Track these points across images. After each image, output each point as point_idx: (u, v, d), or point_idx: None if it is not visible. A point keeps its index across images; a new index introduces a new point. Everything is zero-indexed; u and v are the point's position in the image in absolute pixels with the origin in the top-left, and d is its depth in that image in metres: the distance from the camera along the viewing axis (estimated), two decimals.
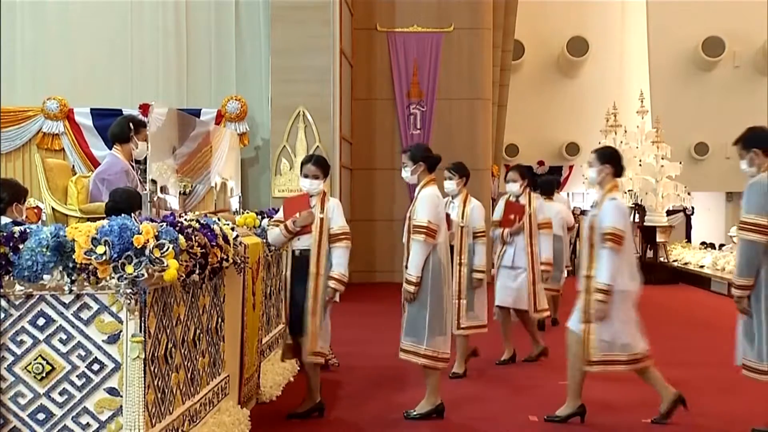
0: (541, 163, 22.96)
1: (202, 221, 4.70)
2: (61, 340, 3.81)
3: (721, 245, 20.06)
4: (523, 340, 8.21)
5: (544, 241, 7.98)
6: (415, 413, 5.95)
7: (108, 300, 3.80)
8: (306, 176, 5.99)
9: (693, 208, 21.00)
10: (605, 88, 23.26)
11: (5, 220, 4.80)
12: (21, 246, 3.70)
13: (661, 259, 17.89)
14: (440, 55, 15.67)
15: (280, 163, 13.07)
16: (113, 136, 6.47)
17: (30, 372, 3.81)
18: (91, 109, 13.41)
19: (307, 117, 13.07)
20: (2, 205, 4.99)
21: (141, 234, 3.69)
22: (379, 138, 15.63)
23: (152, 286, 3.86)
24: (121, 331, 3.81)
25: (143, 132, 6.52)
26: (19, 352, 3.81)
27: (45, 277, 3.74)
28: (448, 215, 7.28)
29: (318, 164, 6.01)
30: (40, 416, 3.81)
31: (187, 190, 8.36)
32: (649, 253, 17.90)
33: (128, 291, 3.72)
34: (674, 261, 17.98)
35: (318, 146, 12.92)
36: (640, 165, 18.34)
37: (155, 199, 6.63)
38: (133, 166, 6.44)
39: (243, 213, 7.08)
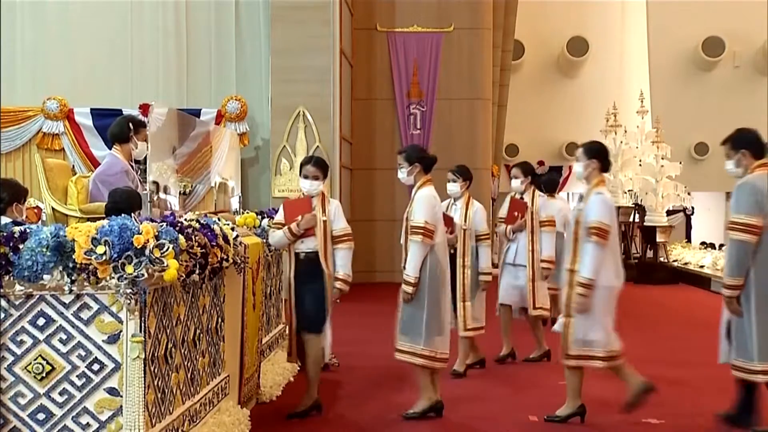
0: (541, 163, 22.95)
1: (202, 221, 4.70)
2: (61, 340, 3.81)
3: (721, 245, 20.04)
4: (525, 338, 8.21)
5: (546, 239, 7.98)
6: (411, 412, 5.94)
7: (108, 300, 3.80)
8: (306, 177, 6.02)
9: (693, 208, 21.00)
10: (605, 88, 23.25)
11: (5, 220, 4.80)
12: (21, 246, 3.70)
13: (661, 259, 17.90)
14: (440, 55, 15.67)
15: (280, 163, 13.07)
16: (113, 136, 6.47)
17: (30, 372, 3.81)
18: (91, 109, 13.41)
19: (307, 117, 13.08)
20: (2, 205, 4.99)
21: (141, 234, 3.69)
22: (379, 138, 15.63)
23: (152, 286, 3.86)
24: (121, 331, 3.81)
25: (143, 132, 6.52)
26: (19, 352, 3.81)
27: (45, 277, 3.74)
28: (451, 218, 7.32)
29: (318, 165, 6.04)
30: (40, 416, 3.81)
31: (187, 190, 8.36)
32: (649, 253, 17.90)
33: (128, 291, 3.72)
34: (674, 261, 17.98)
35: (318, 146, 12.93)
36: (640, 165, 18.35)
37: (155, 199, 6.63)
38: (132, 166, 6.44)
39: (243, 213, 7.07)
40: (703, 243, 20.73)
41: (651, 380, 5.83)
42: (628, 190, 18.79)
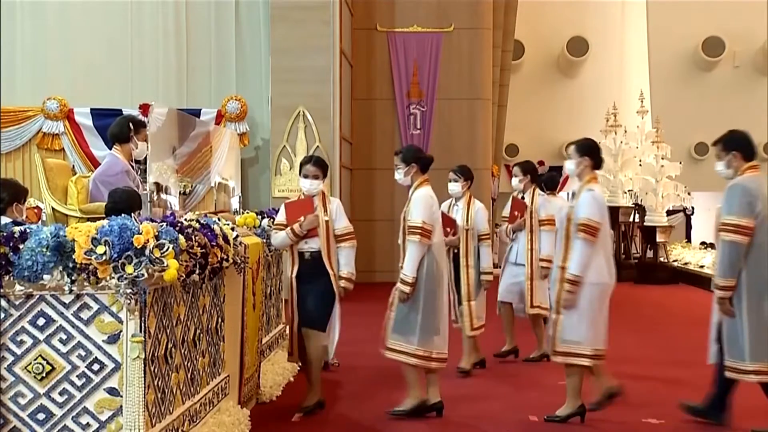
0: (541, 163, 22.94)
1: (202, 221, 4.70)
2: (61, 340, 3.81)
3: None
4: (527, 337, 8.21)
5: (545, 238, 7.98)
6: (398, 410, 5.93)
7: (108, 300, 3.80)
8: (306, 176, 6.04)
9: (693, 208, 21.00)
10: (605, 88, 23.25)
11: (5, 220, 4.80)
12: (21, 246, 3.70)
13: (661, 259, 17.89)
14: (440, 55, 15.66)
15: (280, 163, 13.07)
16: (113, 136, 6.47)
17: (30, 372, 3.81)
18: (91, 109, 13.41)
19: (307, 117, 13.08)
20: (2, 205, 4.99)
21: (141, 234, 3.69)
22: (379, 138, 15.62)
23: (152, 286, 3.86)
24: (121, 331, 3.81)
25: (143, 132, 6.52)
26: (19, 352, 3.81)
27: (45, 277, 3.74)
28: (452, 220, 7.35)
29: (318, 165, 6.07)
30: (40, 416, 3.81)
31: (187, 190, 8.36)
32: (649, 253, 17.90)
33: (128, 291, 3.72)
34: (674, 261, 17.97)
35: (318, 146, 12.93)
36: (640, 165, 18.34)
37: (155, 199, 6.63)
38: (133, 167, 6.43)
39: (243, 213, 7.08)
40: (703, 243, 20.71)
41: (620, 384, 5.84)
42: (628, 190, 18.78)
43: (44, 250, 3.67)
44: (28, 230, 3.76)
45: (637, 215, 18.20)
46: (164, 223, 3.98)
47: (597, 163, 5.89)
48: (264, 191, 13.59)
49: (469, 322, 7.41)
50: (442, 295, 5.94)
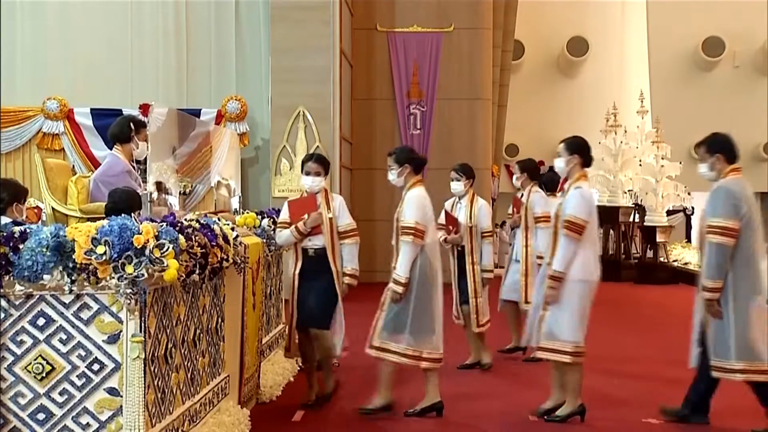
0: (541, 163, 22.89)
1: (202, 221, 4.70)
2: (61, 340, 3.81)
3: None
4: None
5: (541, 235, 8.00)
6: (367, 408, 5.96)
7: (108, 300, 3.80)
8: (308, 174, 6.11)
9: (693, 208, 21.00)
10: (605, 88, 23.26)
11: (5, 220, 4.80)
12: (21, 246, 3.70)
13: (661, 259, 17.89)
14: (440, 55, 15.66)
15: (280, 163, 13.07)
16: (113, 136, 6.46)
17: (30, 372, 3.81)
18: (91, 109, 13.42)
19: (307, 117, 13.08)
20: (2, 205, 4.99)
21: (141, 234, 3.69)
22: (379, 138, 15.62)
23: (152, 286, 3.86)
24: (121, 331, 3.80)
25: (144, 132, 6.51)
26: (19, 352, 3.81)
27: (45, 277, 3.74)
28: (455, 218, 7.37)
29: (319, 162, 6.15)
30: (40, 416, 3.81)
31: (187, 190, 8.36)
32: (649, 253, 17.90)
33: (128, 291, 3.71)
34: (674, 261, 17.98)
35: (318, 146, 12.92)
36: (640, 165, 18.34)
37: (157, 199, 6.63)
38: (134, 167, 6.43)
39: (243, 213, 7.08)
40: None
41: (586, 404, 5.86)
42: (628, 190, 18.78)
43: (44, 250, 3.67)
44: (28, 230, 3.76)
45: (637, 215, 18.20)
46: (164, 223, 3.98)
47: (587, 160, 5.93)
48: (264, 191, 13.59)
49: (475, 318, 7.48)
50: (436, 295, 5.92)
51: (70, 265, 3.71)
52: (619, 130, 19.24)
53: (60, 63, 13.90)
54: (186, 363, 4.44)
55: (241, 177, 12.70)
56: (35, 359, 3.81)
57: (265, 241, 6.40)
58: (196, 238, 4.30)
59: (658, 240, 17.76)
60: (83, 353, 3.81)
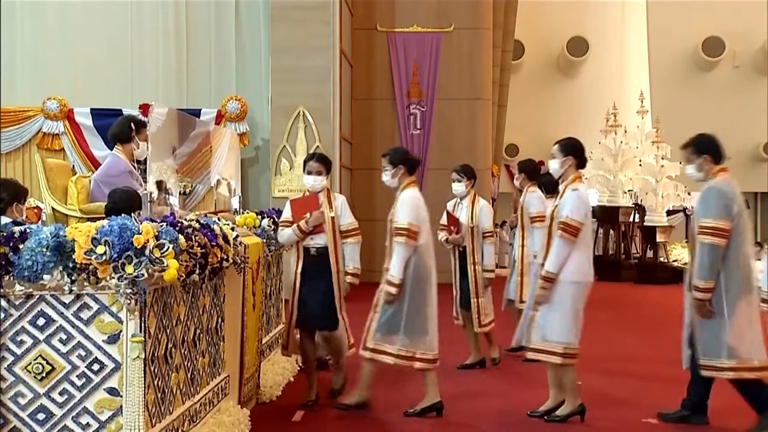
0: (541, 164, 22.93)
1: (202, 221, 4.70)
2: (61, 340, 3.81)
3: None
4: None
5: (537, 234, 8.03)
6: (343, 403, 6.01)
7: (108, 300, 3.80)
8: (309, 173, 6.15)
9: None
10: (605, 88, 23.26)
11: (5, 220, 4.80)
12: (21, 246, 3.70)
13: (661, 259, 17.89)
14: (440, 55, 15.66)
15: (280, 163, 13.07)
16: (114, 136, 6.46)
17: (30, 372, 3.81)
18: (91, 109, 13.42)
19: (307, 117, 13.08)
20: (2, 205, 4.99)
21: (141, 234, 3.69)
22: (379, 138, 15.62)
23: (152, 286, 3.86)
24: (121, 331, 3.80)
25: (144, 132, 6.51)
26: (19, 352, 3.81)
27: (45, 277, 3.74)
28: (456, 219, 7.38)
29: (320, 161, 6.20)
30: (40, 416, 3.81)
31: (187, 190, 8.35)
32: (649, 253, 17.90)
33: (128, 291, 3.71)
34: (674, 261, 17.97)
35: (318, 146, 12.92)
36: (640, 165, 18.35)
37: (159, 198, 6.62)
38: (135, 167, 6.43)
39: (243, 213, 7.08)
40: None
41: (586, 404, 5.86)
42: (628, 190, 18.79)
43: (44, 250, 3.67)
44: (28, 230, 3.76)
45: (637, 215, 18.20)
46: (164, 223, 3.98)
47: (581, 162, 5.94)
48: (264, 191, 13.59)
49: (477, 318, 7.50)
50: (430, 296, 5.91)
51: (70, 265, 3.71)
52: (619, 130, 19.25)
53: (60, 63, 13.90)
54: (186, 363, 4.43)
55: (241, 177, 12.68)
56: (35, 359, 3.81)
57: (265, 241, 6.40)
58: (196, 238, 4.30)
59: (658, 240, 17.77)
60: (83, 353, 3.81)
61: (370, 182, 15.51)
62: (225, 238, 4.80)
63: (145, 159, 6.69)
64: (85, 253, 3.66)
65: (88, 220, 5.30)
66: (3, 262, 3.70)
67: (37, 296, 3.80)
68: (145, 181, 6.61)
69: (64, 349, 3.81)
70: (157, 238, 3.74)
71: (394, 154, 6.11)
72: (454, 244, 7.52)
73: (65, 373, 3.81)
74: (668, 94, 22.92)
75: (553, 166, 5.96)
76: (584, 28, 24.26)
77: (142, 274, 3.68)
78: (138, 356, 3.77)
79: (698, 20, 23.48)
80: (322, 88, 13.11)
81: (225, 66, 14.10)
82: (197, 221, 4.63)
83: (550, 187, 8.73)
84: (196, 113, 12.80)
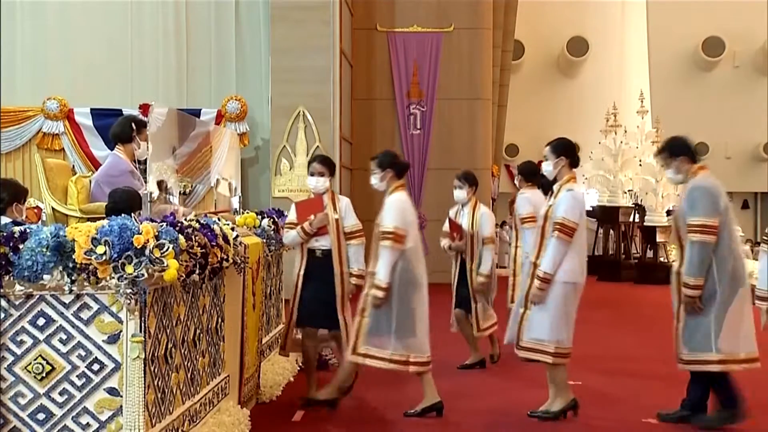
0: (540, 165, 22.99)
1: (202, 221, 4.70)
2: (61, 340, 3.81)
3: None
4: None
5: (526, 235, 8.06)
6: (311, 398, 6.03)
7: (108, 300, 3.80)
8: (312, 174, 6.22)
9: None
10: (605, 88, 23.26)
11: (5, 220, 4.80)
12: (21, 246, 3.70)
13: (661, 259, 17.89)
14: (440, 55, 15.66)
15: (280, 163, 13.07)
16: (115, 136, 6.46)
17: (30, 372, 3.81)
18: (91, 109, 13.41)
19: (307, 117, 13.08)
20: (2, 205, 4.99)
21: (141, 234, 3.69)
22: (379, 138, 15.62)
23: (152, 286, 3.86)
24: (121, 331, 3.80)
25: (145, 132, 6.51)
26: (19, 352, 3.81)
27: (45, 277, 3.74)
28: (459, 225, 7.40)
29: (323, 162, 6.25)
30: (40, 416, 3.81)
31: (187, 190, 8.35)
32: (649, 253, 17.90)
33: (128, 291, 3.71)
34: (674, 261, 17.94)
35: (318, 146, 12.93)
36: (640, 165, 18.35)
37: (161, 197, 6.61)
38: (136, 167, 6.43)
39: (243, 213, 7.08)
40: None
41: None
42: (628, 190, 18.79)
43: (44, 250, 3.67)
44: (28, 230, 3.76)
45: (637, 215, 18.20)
46: (164, 223, 3.98)
47: (574, 161, 5.95)
48: (264, 191, 13.59)
49: (475, 323, 7.52)
50: (418, 298, 5.87)
51: (70, 265, 3.71)
52: (619, 130, 19.25)
53: (60, 63, 13.89)
54: (186, 363, 4.44)
55: (241, 177, 12.68)
56: (35, 359, 3.81)
57: (265, 241, 6.40)
58: (196, 238, 4.30)
59: (658, 240, 17.76)
60: (83, 353, 3.81)
61: (370, 182, 15.52)
62: (225, 238, 4.80)
63: (146, 159, 6.69)
64: (85, 253, 3.66)
65: (88, 220, 5.30)
66: (3, 262, 3.70)
67: (37, 296, 3.80)
68: (146, 181, 6.61)
69: (64, 349, 3.81)
70: (157, 238, 3.74)
71: (383, 157, 6.11)
72: (457, 251, 7.53)
73: (65, 373, 3.81)
74: (668, 94, 22.92)
75: (546, 167, 5.98)
76: (584, 28, 24.26)
77: (142, 274, 3.68)
78: (138, 356, 3.77)
79: (698, 20, 23.49)
80: (322, 88, 13.11)
81: (225, 66, 14.09)
82: (197, 221, 4.63)
83: (549, 187, 8.77)
84: (196, 113, 12.79)
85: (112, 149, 6.60)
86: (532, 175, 8.22)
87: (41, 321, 3.81)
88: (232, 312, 5.34)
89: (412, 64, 15.69)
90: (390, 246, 5.75)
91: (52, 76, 13.80)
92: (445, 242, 7.57)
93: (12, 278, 3.75)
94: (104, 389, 3.81)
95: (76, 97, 13.52)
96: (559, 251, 5.68)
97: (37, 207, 9.37)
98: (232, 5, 14.10)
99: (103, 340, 3.82)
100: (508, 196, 21.61)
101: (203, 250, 4.35)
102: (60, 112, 13.39)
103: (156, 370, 3.98)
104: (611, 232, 18.78)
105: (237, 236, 5.18)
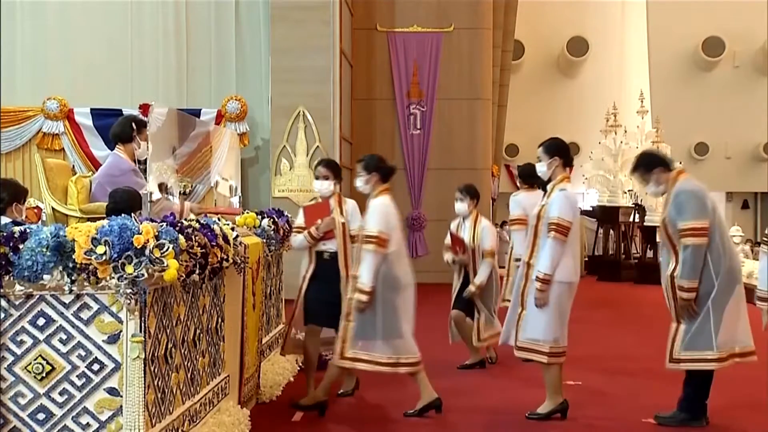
0: None
1: (202, 221, 4.70)
2: (61, 340, 3.81)
3: None
4: None
5: (513, 237, 8.17)
6: (300, 403, 6.00)
7: (108, 300, 3.80)
8: (317, 178, 6.28)
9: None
10: (605, 88, 23.27)
11: (5, 220, 4.80)
12: (21, 246, 3.70)
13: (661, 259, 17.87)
14: (440, 55, 15.67)
15: (280, 163, 13.07)
16: (115, 136, 6.46)
17: (30, 372, 3.81)
18: (91, 109, 13.41)
19: (307, 117, 13.08)
20: (2, 205, 4.99)
21: (141, 234, 3.69)
22: (379, 138, 15.63)
23: (152, 286, 3.86)
24: (121, 331, 3.81)
25: (145, 132, 6.51)
26: (19, 352, 3.81)
27: (45, 277, 3.74)
28: (461, 240, 7.40)
29: (327, 166, 6.30)
30: (40, 416, 3.81)
31: (187, 190, 8.35)
32: (649, 253, 17.89)
33: (128, 291, 3.71)
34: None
35: (318, 146, 12.93)
36: None
37: (159, 199, 6.61)
38: (137, 167, 6.44)
39: (243, 213, 7.08)
40: None
41: (568, 402, 5.87)
42: (628, 190, 18.78)
43: (44, 250, 3.67)
44: (28, 230, 3.76)
45: (637, 215, 18.20)
46: (164, 223, 3.98)
47: (567, 161, 5.95)
48: (264, 191, 13.59)
49: (476, 333, 7.52)
50: (401, 301, 5.84)
51: (70, 265, 3.71)
52: (619, 130, 19.25)
53: (60, 63, 13.89)
54: (186, 363, 4.44)
55: (241, 177, 12.68)
56: (35, 359, 3.81)
57: (265, 241, 6.41)
58: (196, 238, 4.30)
59: (658, 240, 17.74)
60: (83, 353, 3.81)
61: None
62: (225, 238, 4.80)
63: (146, 159, 6.69)
64: (85, 253, 3.66)
65: (88, 220, 5.30)
66: (3, 262, 3.70)
67: (37, 296, 3.81)
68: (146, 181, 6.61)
69: (64, 349, 3.81)
70: (157, 238, 3.74)
71: (369, 160, 6.10)
72: (461, 264, 7.53)
73: (65, 373, 3.81)
74: (668, 94, 22.93)
75: (540, 168, 5.99)
76: (584, 28, 24.26)
77: (142, 274, 3.69)
78: (138, 356, 3.77)
79: (698, 20, 23.49)
80: (322, 88, 13.11)
81: (225, 66, 14.09)
82: (197, 221, 4.63)
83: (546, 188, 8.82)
84: (196, 113, 12.79)
85: (112, 149, 6.60)
86: (530, 176, 8.23)
87: (41, 321, 3.81)
88: (232, 312, 5.34)
89: (412, 64, 15.69)
90: (373, 250, 5.73)
91: (52, 76, 13.80)
92: (448, 256, 7.57)
93: (12, 278, 3.75)
94: (104, 389, 3.81)
95: (76, 97, 13.52)
96: (557, 251, 5.69)
97: (37, 207, 9.38)
98: (232, 5, 14.10)
99: (103, 340, 3.82)
100: (508, 196, 21.62)
101: (203, 250, 4.35)
102: (60, 112, 13.39)
103: (156, 370, 3.98)
104: (611, 232, 18.78)
105: (237, 236, 5.18)
